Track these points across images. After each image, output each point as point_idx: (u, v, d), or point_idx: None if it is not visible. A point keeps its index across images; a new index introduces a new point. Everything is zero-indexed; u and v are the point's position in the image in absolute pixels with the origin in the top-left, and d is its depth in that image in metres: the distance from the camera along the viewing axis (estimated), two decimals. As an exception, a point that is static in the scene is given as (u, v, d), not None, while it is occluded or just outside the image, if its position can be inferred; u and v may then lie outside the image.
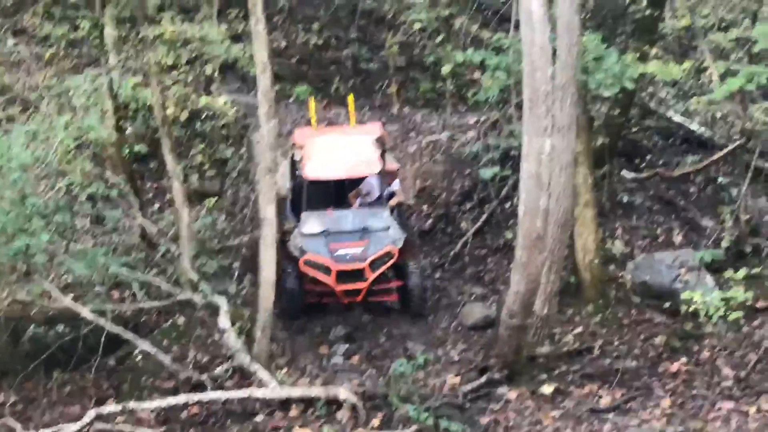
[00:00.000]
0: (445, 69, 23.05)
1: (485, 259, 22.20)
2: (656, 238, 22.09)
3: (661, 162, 23.19)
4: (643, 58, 20.55)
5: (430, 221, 23.16)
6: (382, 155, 21.65)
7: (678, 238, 21.99)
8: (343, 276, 20.07)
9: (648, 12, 21.37)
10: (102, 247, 18.36)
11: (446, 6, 28.18)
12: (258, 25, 17.07)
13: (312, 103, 23.36)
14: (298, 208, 21.10)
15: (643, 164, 23.09)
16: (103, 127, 19.03)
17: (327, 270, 20.09)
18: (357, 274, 20.05)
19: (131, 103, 23.78)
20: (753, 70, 18.24)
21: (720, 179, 22.81)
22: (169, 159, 19.78)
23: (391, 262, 20.33)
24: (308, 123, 23.76)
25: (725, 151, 21.73)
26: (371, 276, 20.10)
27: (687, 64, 21.74)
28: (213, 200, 23.26)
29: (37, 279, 16.77)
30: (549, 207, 18.08)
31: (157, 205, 22.91)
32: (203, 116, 24.94)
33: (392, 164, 22.50)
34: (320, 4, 30.57)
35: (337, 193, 21.65)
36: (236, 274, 20.84)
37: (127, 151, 21.24)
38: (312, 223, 20.60)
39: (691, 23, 23.62)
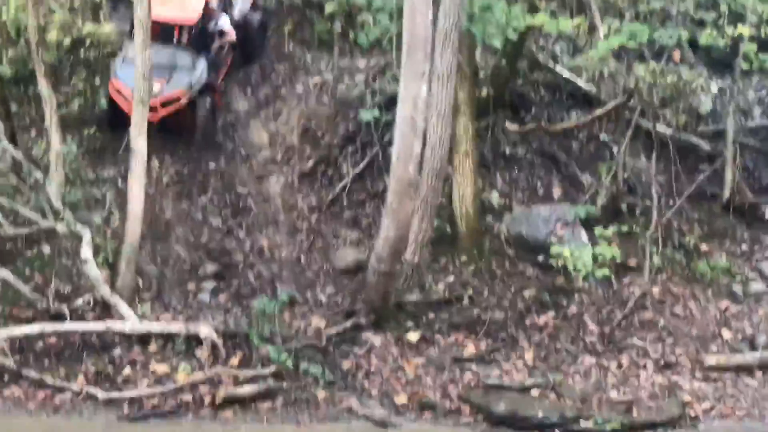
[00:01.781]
0: (329, 7, 22.70)
1: (364, 204, 21.98)
2: (535, 191, 22.07)
3: (546, 116, 23.11)
4: (533, 10, 20.42)
5: (311, 163, 22.84)
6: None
7: (557, 193, 22.00)
8: None
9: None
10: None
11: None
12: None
13: None
14: None
15: (528, 117, 23.00)
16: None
17: (125, 99, 21.29)
18: (150, 108, 20.46)
19: (13, 26, 23.22)
20: (634, 28, 18.23)
21: (602, 136, 22.85)
22: (42, 84, 19.33)
23: (180, 103, 22.20)
24: None
25: (607, 107, 21.75)
26: (161, 112, 21.80)
27: (578, 20, 21.68)
28: (92, 129, 22.70)
29: None
30: (425, 154, 18.08)
31: (34, 132, 22.32)
32: (88, 43, 24.31)
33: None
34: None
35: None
36: (108, 204, 20.39)
37: (8, 71, 20.57)
38: (132, 51, 20.79)
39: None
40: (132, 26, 21.04)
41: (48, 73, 19.55)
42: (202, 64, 22.82)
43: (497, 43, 19.02)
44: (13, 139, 20.04)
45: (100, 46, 24.29)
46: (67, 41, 23.89)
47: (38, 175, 17.96)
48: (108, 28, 24.56)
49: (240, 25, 24.30)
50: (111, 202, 20.49)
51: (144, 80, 16.99)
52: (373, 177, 22.28)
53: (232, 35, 23.61)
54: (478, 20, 18.46)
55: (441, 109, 17.97)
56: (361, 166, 22.56)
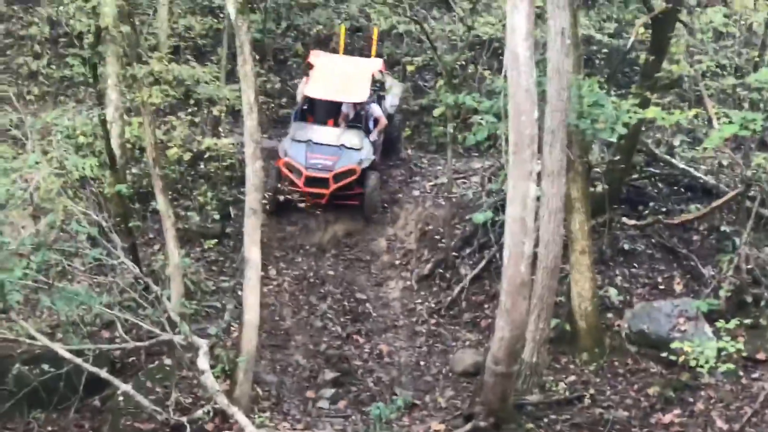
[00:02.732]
0: (437, 111, 22.87)
1: (482, 306, 21.92)
2: (656, 286, 21.72)
3: (664, 209, 22.83)
4: (644, 104, 20.31)
5: (429, 266, 22.94)
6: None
7: (678, 287, 21.61)
8: (311, 181, 24.25)
9: (648, 57, 21.16)
10: (79, 287, 18.16)
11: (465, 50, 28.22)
12: (245, 65, 16.97)
13: (342, 30, 28.86)
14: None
15: (646, 211, 22.74)
16: (95, 165, 19.00)
17: (299, 173, 24.27)
18: (322, 182, 24.27)
19: (136, 141, 23.98)
20: (747, 116, 17.92)
21: (723, 227, 22.44)
22: (160, 199, 19.68)
23: (353, 178, 24.47)
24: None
25: (725, 198, 21.38)
26: (333, 186, 24.22)
27: (693, 111, 21.46)
28: (212, 242, 23.14)
29: (13, 317, 16.61)
30: (538, 253, 17.96)
31: (156, 246, 22.81)
32: (207, 157, 24.89)
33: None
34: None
35: (335, 112, 26.19)
36: (226, 315, 20.68)
37: (125, 189, 21.07)
38: (300, 131, 25.07)
39: (690, 70, 23.41)
40: (297, 112, 25.75)
41: (166, 188, 19.96)
42: (368, 143, 25.08)
43: (608, 138, 18.89)
44: (134, 255, 20.45)
45: (219, 159, 24.83)
46: (186, 156, 24.51)
47: (158, 288, 18.21)
48: (227, 141, 25.13)
49: (388, 117, 26.42)
50: (230, 312, 20.80)
51: (255, 192, 17.19)
52: (491, 278, 22.20)
53: (384, 121, 25.90)
54: (587, 116, 18.37)
55: (552, 207, 17.84)
56: (479, 267, 22.54)
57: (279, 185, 24.48)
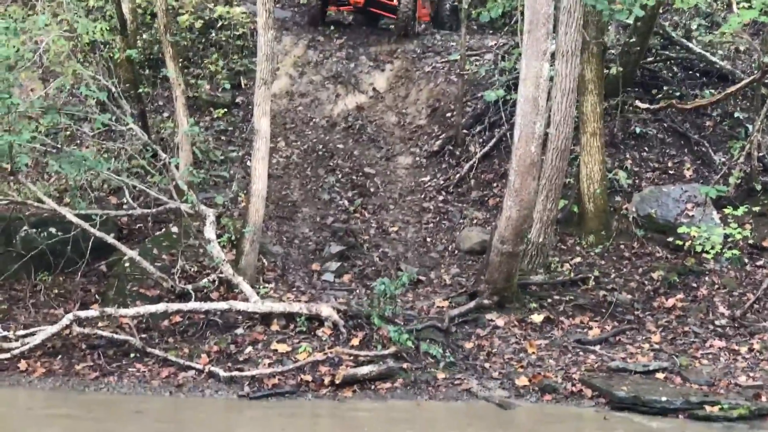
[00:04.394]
0: (452, -16, 22.61)
1: (491, 184, 21.84)
2: (666, 170, 21.62)
3: (678, 93, 22.59)
4: (664, -15, 20.01)
5: (438, 142, 22.80)
6: None
7: (688, 172, 21.51)
8: None
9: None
10: (88, 151, 18.12)
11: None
12: (260, -68, 16.72)
13: None
14: None
15: (660, 95, 22.52)
16: (106, 30, 18.82)
17: None
18: None
19: (147, 6, 23.73)
20: (767, 1, 17.59)
21: (736, 114, 22.26)
22: (170, 66, 19.54)
23: None
24: None
25: (740, 84, 20.98)
26: None
27: (712, -6, 21.16)
28: (222, 111, 23.02)
29: (21, 180, 16.60)
30: (549, 133, 17.87)
31: (166, 114, 22.70)
32: (219, 25, 24.63)
33: None
34: None
35: None
36: (234, 185, 20.66)
37: (135, 55, 20.87)
38: None
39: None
40: None
41: (176, 55, 19.79)
42: None
43: (624, 19, 18.61)
44: (143, 122, 20.36)
45: (231, 27, 24.58)
46: (198, 24, 24.25)
47: (166, 156, 18.17)
48: (239, 9, 24.85)
49: None
50: (238, 182, 20.78)
51: (266, 62, 17.06)
52: (501, 157, 22.11)
53: None
54: (604, -4, 18.08)
55: (565, 88, 17.72)
56: (489, 145, 22.41)
57: None
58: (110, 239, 17.47)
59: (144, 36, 23.65)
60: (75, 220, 17.13)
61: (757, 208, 19.62)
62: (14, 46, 15.54)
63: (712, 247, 17.70)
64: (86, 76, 17.57)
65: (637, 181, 21.37)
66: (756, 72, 21.07)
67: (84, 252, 17.83)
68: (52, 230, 18.31)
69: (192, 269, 17.86)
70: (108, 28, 19.97)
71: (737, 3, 20.23)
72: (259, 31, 17.17)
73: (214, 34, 24.66)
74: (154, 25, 23.30)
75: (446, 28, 27.12)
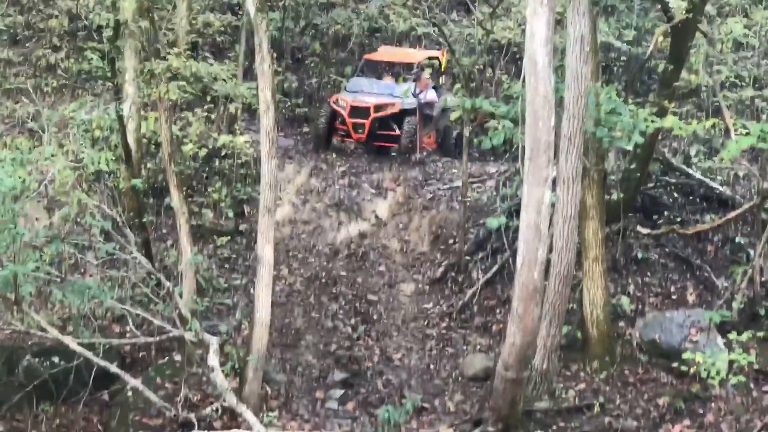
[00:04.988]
0: (454, 115, 22.79)
1: (494, 310, 21.86)
2: (669, 295, 21.65)
3: (679, 219, 22.73)
4: (662, 113, 20.23)
5: (441, 269, 22.89)
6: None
7: (691, 297, 21.53)
8: (354, 111, 27.15)
9: (667, 66, 21.08)
10: (91, 280, 18.18)
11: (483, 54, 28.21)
12: (263, 63, 16.98)
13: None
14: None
15: (661, 220, 22.64)
16: (111, 160, 19.00)
17: (344, 106, 27.17)
18: (364, 111, 27.15)
19: (152, 136, 23.99)
20: (764, 128, 17.81)
21: (738, 239, 22.35)
22: (174, 195, 19.71)
23: (392, 111, 27.36)
24: None
25: (740, 209, 21.28)
26: (373, 114, 27.08)
27: (710, 122, 21.35)
28: (225, 239, 23.14)
29: (25, 309, 16.62)
30: (551, 259, 17.92)
31: (169, 242, 22.81)
32: (222, 154, 24.89)
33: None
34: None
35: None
36: (238, 313, 20.69)
37: (139, 184, 21.04)
38: (355, 83, 28.56)
39: (708, 80, 23.35)
40: (360, 68, 29.85)
41: (180, 184, 19.97)
42: (413, 98, 27.63)
43: (625, 146, 18.83)
44: (147, 250, 20.45)
45: (234, 156, 24.82)
46: (202, 153, 24.49)
47: (170, 284, 18.22)
48: (242, 138, 25.11)
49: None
50: (241, 310, 20.80)
51: (270, 191, 17.19)
52: (504, 283, 22.15)
53: (433, 96, 28.20)
54: (604, 124, 18.29)
55: (567, 214, 17.82)
56: (492, 272, 22.47)
57: (330, 124, 27.78)
58: (113, 368, 17.43)
59: (148, 165, 23.88)
60: (78, 349, 17.12)
61: (761, 333, 19.55)
62: (20, 177, 15.68)
63: (718, 373, 17.60)
64: (91, 206, 17.73)
65: (640, 306, 21.38)
66: (755, 197, 21.26)
67: (87, 381, 17.78)
68: (55, 359, 18.30)
69: (195, 398, 17.79)
70: (113, 158, 20.14)
71: (735, 130, 20.48)
72: (262, 160, 17.34)
73: (217, 163, 24.91)
74: (158, 154, 23.56)
75: (453, 155, 27.44)
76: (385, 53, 29.91)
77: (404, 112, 27.45)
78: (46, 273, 17.72)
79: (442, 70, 29.52)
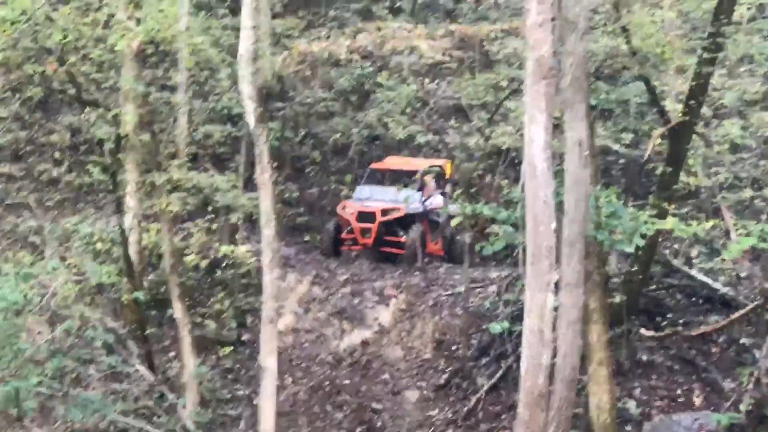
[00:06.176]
0: (454, 221, 22.83)
1: (499, 416, 21.67)
2: (675, 398, 21.47)
3: (683, 321, 22.66)
4: (662, 215, 20.27)
5: (445, 375, 22.79)
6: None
7: (698, 400, 21.35)
8: (361, 216, 27.98)
9: (665, 169, 21.18)
10: (94, 393, 18.08)
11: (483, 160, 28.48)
12: (263, 174, 17.03)
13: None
14: None
15: (665, 323, 22.58)
16: (113, 272, 19.03)
17: (352, 212, 28.00)
18: (370, 216, 27.95)
19: (154, 249, 24.02)
20: (765, 228, 17.84)
21: (742, 340, 22.25)
22: (177, 307, 19.72)
23: (397, 214, 28.07)
24: None
25: (744, 310, 21.22)
26: (379, 218, 27.85)
27: (710, 223, 21.42)
28: (228, 349, 23.06)
29: (27, 425, 16.50)
30: (556, 364, 17.79)
31: (172, 353, 22.74)
32: (224, 264, 24.91)
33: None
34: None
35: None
36: (242, 424, 20.54)
37: (141, 297, 21.02)
38: (362, 191, 29.25)
39: (707, 181, 23.47)
40: (366, 174, 29.94)
41: (183, 295, 19.98)
42: (418, 202, 28.31)
43: (626, 249, 18.82)
44: (149, 362, 20.38)
45: (236, 266, 24.84)
46: (204, 263, 24.52)
47: (173, 396, 18.12)
48: (244, 249, 25.16)
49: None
50: (246, 420, 20.65)
51: (272, 301, 17.16)
52: (509, 389, 21.98)
53: (439, 202, 28.44)
54: (604, 227, 18.32)
55: (570, 318, 17.70)
56: (496, 377, 22.36)
57: (338, 231, 28.64)
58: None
59: (150, 276, 23.90)
60: (81, 467, 16.97)
61: (770, 435, 19.42)
62: (23, 291, 15.68)
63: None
64: (93, 319, 17.70)
65: (647, 409, 21.20)
66: (758, 298, 21.23)
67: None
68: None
69: None
70: (115, 271, 20.17)
71: (736, 230, 20.52)
72: (264, 270, 17.31)
73: (219, 273, 24.93)
74: (160, 265, 23.58)
75: (460, 262, 27.42)
76: (391, 162, 30.47)
77: (410, 218, 28.11)
78: (49, 387, 17.63)
79: (447, 178, 29.62)
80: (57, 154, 28.74)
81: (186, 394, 19.54)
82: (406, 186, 29.55)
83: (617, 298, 21.56)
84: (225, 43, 24.92)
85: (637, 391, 21.56)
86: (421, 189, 28.88)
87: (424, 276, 26.24)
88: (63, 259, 19.37)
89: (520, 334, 17.40)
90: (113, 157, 20.62)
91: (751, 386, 20.40)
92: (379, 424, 21.64)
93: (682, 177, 22.88)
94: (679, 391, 21.70)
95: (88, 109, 21.67)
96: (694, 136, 22.09)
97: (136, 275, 21.47)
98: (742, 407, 20.14)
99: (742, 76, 27.35)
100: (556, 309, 17.12)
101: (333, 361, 23.43)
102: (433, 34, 35.88)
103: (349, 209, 28.26)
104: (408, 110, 31.97)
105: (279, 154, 30.20)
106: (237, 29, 17.48)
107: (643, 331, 21.86)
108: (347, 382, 22.83)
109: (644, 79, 21.05)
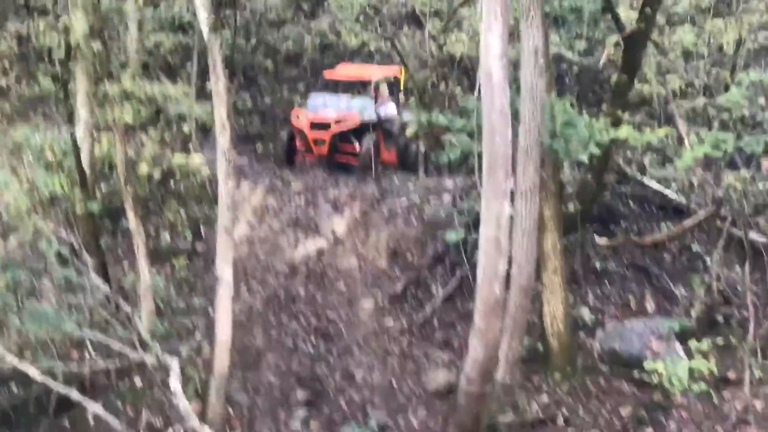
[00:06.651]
0: (410, 131, 22.81)
1: (454, 325, 21.83)
2: (628, 305, 21.74)
3: (636, 228, 22.86)
4: (617, 123, 20.30)
5: (400, 285, 22.84)
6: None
7: (650, 306, 21.63)
8: (315, 125, 27.75)
9: (620, 76, 21.14)
10: (49, 306, 17.97)
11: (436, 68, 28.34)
12: (218, 83, 16.84)
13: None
14: None
15: (618, 231, 22.76)
16: (65, 183, 18.82)
17: (305, 122, 27.73)
18: (324, 126, 27.72)
19: (105, 161, 23.75)
20: (718, 137, 17.95)
21: (694, 247, 22.48)
22: (131, 217, 19.55)
23: (352, 126, 27.85)
24: None
25: (697, 218, 21.42)
26: (334, 128, 27.62)
27: (663, 131, 21.47)
28: (183, 260, 22.97)
29: (-19, 336, 16.44)
30: (511, 272, 17.88)
31: (127, 264, 22.62)
32: (178, 175, 24.73)
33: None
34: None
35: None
36: (198, 334, 20.52)
37: (95, 208, 20.83)
38: (315, 99, 28.80)
39: (660, 89, 23.49)
40: (319, 82, 29.58)
41: (137, 206, 19.80)
42: (372, 111, 28.01)
43: (581, 157, 18.86)
44: (104, 274, 20.25)
45: (189, 176, 24.66)
46: (157, 174, 24.32)
47: (128, 307, 18.04)
48: (197, 159, 24.96)
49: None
50: (201, 331, 20.63)
51: (228, 211, 17.06)
52: (464, 297, 22.14)
53: (393, 111, 28.59)
54: (560, 136, 18.33)
55: (525, 227, 17.79)
56: (451, 286, 22.47)
57: (291, 140, 28.68)
58: (74, 394, 17.18)
59: (103, 187, 23.67)
60: (37, 376, 16.86)
61: (720, 340, 19.65)
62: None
63: (679, 381, 17.66)
64: (47, 231, 17.53)
65: (600, 316, 21.44)
66: (710, 205, 21.40)
67: (47, 408, 17.56)
68: (13, 387, 18.04)
69: (158, 422, 17.61)
70: (67, 182, 19.93)
71: (689, 138, 20.61)
72: (219, 181, 17.18)
73: (173, 184, 24.76)
74: (113, 176, 23.37)
75: (414, 171, 27.54)
76: (344, 70, 29.91)
77: (364, 127, 27.72)
78: (2, 301, 17.51)
79: (401, 86, 29.39)
80: (5, 63, 28.26)
81: (142, 305, 19.47)
82: (359, 94, 29.26)
83: (572, 207, 21.68)
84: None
85: (590, 298, 21.80)
86: (374, 97, 28.63)
87: (379, 185, 26.19)
88: (14, 170, 19.11)
89: (475, 243, 17.48)
90: (63, 67, 20.27)
91: (702, 293, 20.67)
92: (334, 333, 21.69)
93: (636, 85, 22.89)
94: (631, 298, 21.98)
95: (36, 16, 21.25)
96: (647, 43, 22.04)
97: (88, 186, 21.23)
98: (693, 313, 20.45)
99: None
100: (511, 218, 17.19)
101: (288, 271, 23.40)
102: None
103: (302, 118, 28.03)
104: (361, 18, 31.62)
105: (231, 62, 29.89)
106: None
107: (597, 239, 22.02)
108: (303, 291, 22.83)
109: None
